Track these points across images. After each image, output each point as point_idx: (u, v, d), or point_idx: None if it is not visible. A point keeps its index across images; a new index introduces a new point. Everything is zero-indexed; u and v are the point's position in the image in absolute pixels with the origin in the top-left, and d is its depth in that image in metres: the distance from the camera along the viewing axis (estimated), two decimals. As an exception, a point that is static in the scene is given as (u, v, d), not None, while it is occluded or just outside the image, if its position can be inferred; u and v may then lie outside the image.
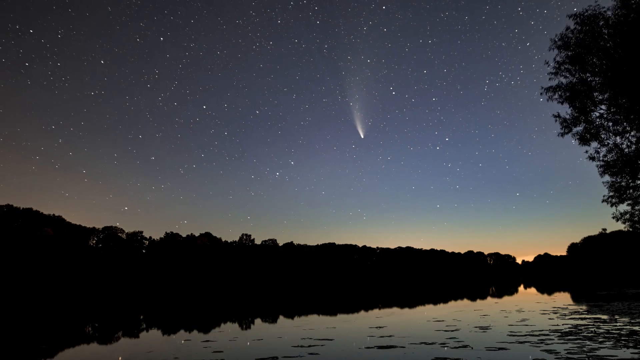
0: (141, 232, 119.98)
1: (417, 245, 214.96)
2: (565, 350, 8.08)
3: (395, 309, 19.89)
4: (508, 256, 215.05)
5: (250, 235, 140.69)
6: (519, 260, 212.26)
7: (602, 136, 18.06)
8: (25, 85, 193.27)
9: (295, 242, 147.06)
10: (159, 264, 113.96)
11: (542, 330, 10.97)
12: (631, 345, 8.60)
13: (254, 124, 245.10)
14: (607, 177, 19.02)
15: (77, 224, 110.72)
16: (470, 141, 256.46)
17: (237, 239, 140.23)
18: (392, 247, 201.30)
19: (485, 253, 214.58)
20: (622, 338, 9.51)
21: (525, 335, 10.25)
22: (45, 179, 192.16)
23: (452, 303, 24.04)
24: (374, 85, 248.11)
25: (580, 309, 18.13)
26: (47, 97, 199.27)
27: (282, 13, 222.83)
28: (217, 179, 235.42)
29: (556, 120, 18.57)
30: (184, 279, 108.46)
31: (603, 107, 17.72)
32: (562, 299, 26.53)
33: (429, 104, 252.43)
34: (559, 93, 18.03)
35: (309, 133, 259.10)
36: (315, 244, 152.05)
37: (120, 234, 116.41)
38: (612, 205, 19.37)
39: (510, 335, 10.20)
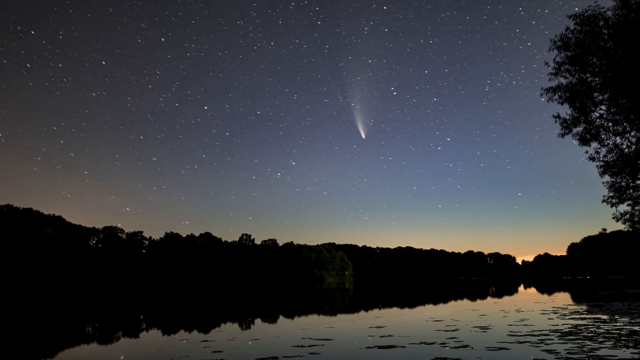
0: (141, 232, 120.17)
1: (418, 245, 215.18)
2: (565, 350, 8.09)
3: (395, 309, 19.90)
4: (508, 256, 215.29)
5: (250, 235, 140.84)
6: (519, 260, 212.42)
7: (602, 136, 18.08)
8: (27, 86, 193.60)
9: (296, 242, 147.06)
10: (159, 264, 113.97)
11: (542, 330, 10.98)
12: (631, 345, 8.61)
13: (255, 124, 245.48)
14: (607, 178, 19.06)
15: (78, 224, 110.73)
16: (472, 141, 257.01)
17: (237, 239, 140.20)
18: (393, 247, 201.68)
19: (485, 253, 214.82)
20: (622, 338, 9.51)
21: (525, 335, 10.26)
22: (46, 179, 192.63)
23: (452, 303, 24.04)
24: (375, 86, 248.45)
25: (580, 309, 18.14)
26: (48, 98, 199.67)
27: (283, 14, 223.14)
28: (218, 180, 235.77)
29: (556, 121, 18.60)
30: (184, 279, 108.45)
31: (603, 107, 17.73)
32: (562, 299, 26.54)
33: (430, 104, 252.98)
34: (559, 94, 18.05)
35: (310, 133, 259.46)
36: (315, 243, 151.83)
37: (120, 234, 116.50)
38: (612, 206, 19.41)
39: (510, 335, 10.21)
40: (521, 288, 50.30)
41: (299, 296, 34.76)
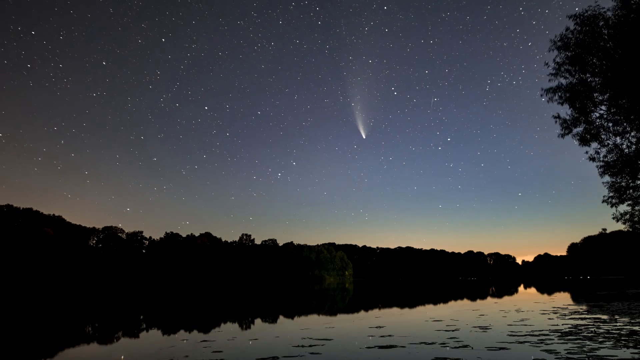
0: (141, 232, 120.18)
1: (419, 245, 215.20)
2: (565, 350, 8.10)
3: (395, 309, 19.90)
4: (508, 256, 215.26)
5: (250, 235, 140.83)
6: (519, 260, 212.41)
7: (602, 137, 18.09)
8: (27, 86, 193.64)
9: (296, 243, 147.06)
10: (159, 264, 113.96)
11: (542, 330, 10.98)
12: (631, 345, 8.62)
13: (255, 124, 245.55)
14: (607, 178, 19.07)
15: (78, 224, 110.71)
16: (472, 141, 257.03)
17: (237, 239, 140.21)
18: (393, 247, 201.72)
19: (485, 253, 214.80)
20: (622, 338, 9.52)
21: (525, 335, 10.26)
22: (47, 180, 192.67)
23: (452, 303, 24.05)
24: (376, 86, 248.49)
25: (580, 309, 18.14)
26: (49, 98, 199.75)
27: (284, 14, 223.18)
28: (218, 180, 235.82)
29: (556, 121, 18.60)
30: (184, 279, 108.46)
31: (603, 107, 17.73)
32: (562, 299, 26.54)
33: (430, 104, 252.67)
34: (559, 94, 18.04)
35: (310, 133, 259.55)
36: (315, 243, 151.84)
37: (120, 234, 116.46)
38: (612, 206, 19.41)
39: (510, 335, 10.21)
40: (521, 288, 50.29)
41: (299, 296, 34.76)
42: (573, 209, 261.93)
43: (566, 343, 8.91)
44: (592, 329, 11.04)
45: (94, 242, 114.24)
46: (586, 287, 49.21)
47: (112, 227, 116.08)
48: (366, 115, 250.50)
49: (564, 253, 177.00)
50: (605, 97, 17.38)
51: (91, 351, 9.09)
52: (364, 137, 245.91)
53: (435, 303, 24.26)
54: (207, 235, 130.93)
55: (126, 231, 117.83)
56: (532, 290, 43.96)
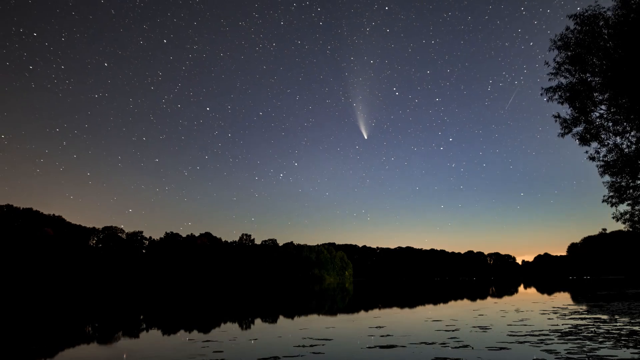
0: (141, 232, 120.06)
1: (421, 245, 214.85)
2: (565, 350, 8.10)
3: (395, 309, 19.90)
4: (508, 256, 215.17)
5: (250, 235, 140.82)
6: (519, 260, 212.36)
7: (602, 136, 18.09)
8: (29, 88, 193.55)
9: (296, 243, 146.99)
10: (159, 264, 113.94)
11: (542, 330, 10.98)
12: (631, 345, 8.62)
13: (257, 125, 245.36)
14: (607, 177, 19.07)
15: (77, 224, 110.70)
16: (474, 141, 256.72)
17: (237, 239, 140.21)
18: (394, 247, 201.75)
19: (485, 253, 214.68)
20: (622, 338, 9.52)
21: (525, 335, 10.26)
22: (49, 181, 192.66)
23: (452, 303, 24.05)
24: (377, 86, 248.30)
25: (580, 309, 18.15)
26: (51, 99, 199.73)
27: (285, 14, 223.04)
28: (220, 181, 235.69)
29: (556, 121, 18.61)
30: (184, 279, 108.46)
31: (603, 107, 17.73)
32: (562, 299, 26.55)
33: (432, 104, 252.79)
34: (559, 93, 18.05)
35: (312, 134, 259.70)
36: (316, 244, 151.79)
37: (120, 234, 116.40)
38: (612, 205, 19.41)
39: (510, 335, 10.21)
40: (521, 288, 50.31)
41: (299, 296, 34.76)
42: (573, 209, 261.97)
43: (566, 343, 8.91)
44: (592, 329, 11.04)
45: (94, 242, 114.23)
46: (586, 287, 49.21)
47: (112, 227, 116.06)
48: (368, 115, 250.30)
49: (564, 253, 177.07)
50: (605, 96, 17.39)
51: (91, 351, 9.09)
52: (366, 137, 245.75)
53: (435, 303, 24.27)
54: (207, 235, 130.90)
55: (125, 230, 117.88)
56: (532, 290, 43.96)
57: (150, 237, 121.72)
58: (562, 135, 18.60)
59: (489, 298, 29.15)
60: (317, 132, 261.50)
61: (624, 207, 19.62)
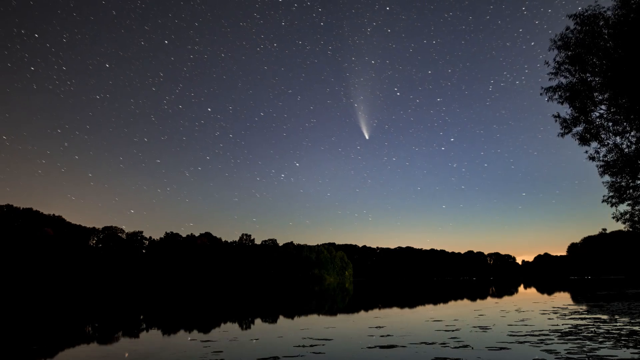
0: (141, 232, 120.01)
1: (422, 246, 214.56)
2: (565, 350, 8.10)
3: (395, 309, 19.91)
4: (508, 256, 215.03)
5: (250, 235, 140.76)
6: (519, 260, 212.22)
7: (602, 136, 18.06)
8: (31, 89, 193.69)
9: (296, 243, 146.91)
10: (159, 264, 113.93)
11: (542, 330, 10.99)
12: (631, 345, 8.62)
13: (258, 125, 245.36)
14: (607, 177, 19.04)
15: (77, 224, 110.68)
16: (476, 141, 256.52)
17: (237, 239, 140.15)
18: (393, 247, 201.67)
19: (485, 253, 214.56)
20: (622, 338, 9.52)
21: (525, 335, 10.27)
22: (51, 182, 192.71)
23: (452, 303, 24.06)
24: (379, 86, 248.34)
25: (580, 309, 18.15)
26: (52, 100, 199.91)
27: (286, 15, 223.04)
28: (222, 181, 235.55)
29: (556, 121, 18.58)
30: (184, 279, 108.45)
31: (603, 107, 17.72)
32: (562, 299, 26.55)
33: (433, 104, 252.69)
34: (559, 93, 18.03)
35: (313, 134, 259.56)
36: (316, 244, 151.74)
37: (120, 234, 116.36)
38: (612, 205, 19.39)
39: (510, 335, 10.22)
40: (521, 288, 50.31)
41: (299, 296, 34.76)
42: (573, 209, 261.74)
43: (566, 343, 8.91)
44: (592, 329, 11.04)
45: (94, 242, 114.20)
46: (586, 287, 49.22)
47: (112, 227, 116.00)
48: (369, 116, 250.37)
49: (564, 253, 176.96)
50: (605, 96, 17.37)
51: (91, 351, 9.09)
52: (367, 137, 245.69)
53: (435, 303, 24.27)
54: (207, 235, 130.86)
55: (125, 230, 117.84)
56: (532, 290, 43.96)
57: (150, 237, 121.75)
58: (562, 135, 18.58)
59: (489, 298, 29.15)
60: (319, 133, 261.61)
61: (624, 207, 19.61)
